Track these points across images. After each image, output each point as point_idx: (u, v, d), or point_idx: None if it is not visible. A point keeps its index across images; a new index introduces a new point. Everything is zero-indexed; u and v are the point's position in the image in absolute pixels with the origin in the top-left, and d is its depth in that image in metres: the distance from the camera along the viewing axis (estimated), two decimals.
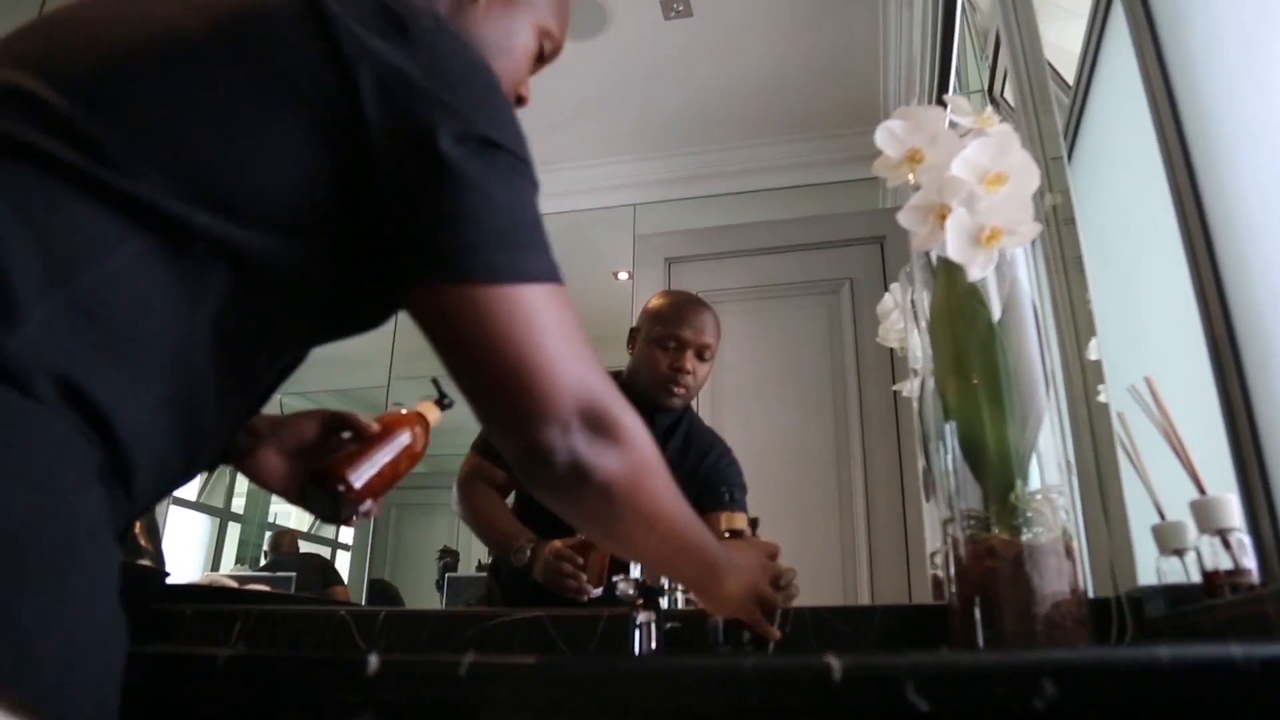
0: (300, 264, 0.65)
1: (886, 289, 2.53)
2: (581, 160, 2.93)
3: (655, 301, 1.69)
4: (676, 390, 1.56)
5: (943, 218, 0.89)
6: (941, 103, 2.20)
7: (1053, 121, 1.28)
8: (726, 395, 2.51)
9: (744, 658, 0.53)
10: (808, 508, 2.29)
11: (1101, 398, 1.18)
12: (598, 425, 0.64)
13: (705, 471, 1.59)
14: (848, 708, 0.52)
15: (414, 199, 0.64)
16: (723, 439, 1.70)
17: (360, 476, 0.84)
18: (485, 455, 1.59)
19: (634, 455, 0.67)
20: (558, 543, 1.36)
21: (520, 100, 0.90)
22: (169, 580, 1.45)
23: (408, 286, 0.65)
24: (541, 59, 0.91)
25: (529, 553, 1.40)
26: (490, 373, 0.63)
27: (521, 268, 0.64)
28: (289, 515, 3.95)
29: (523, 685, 0.56)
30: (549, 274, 0.66)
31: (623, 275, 3.04)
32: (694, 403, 2.38)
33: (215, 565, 3.87)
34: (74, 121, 0.59)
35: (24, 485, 0.51)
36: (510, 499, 1.60)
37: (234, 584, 1.51)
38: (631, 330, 1.69)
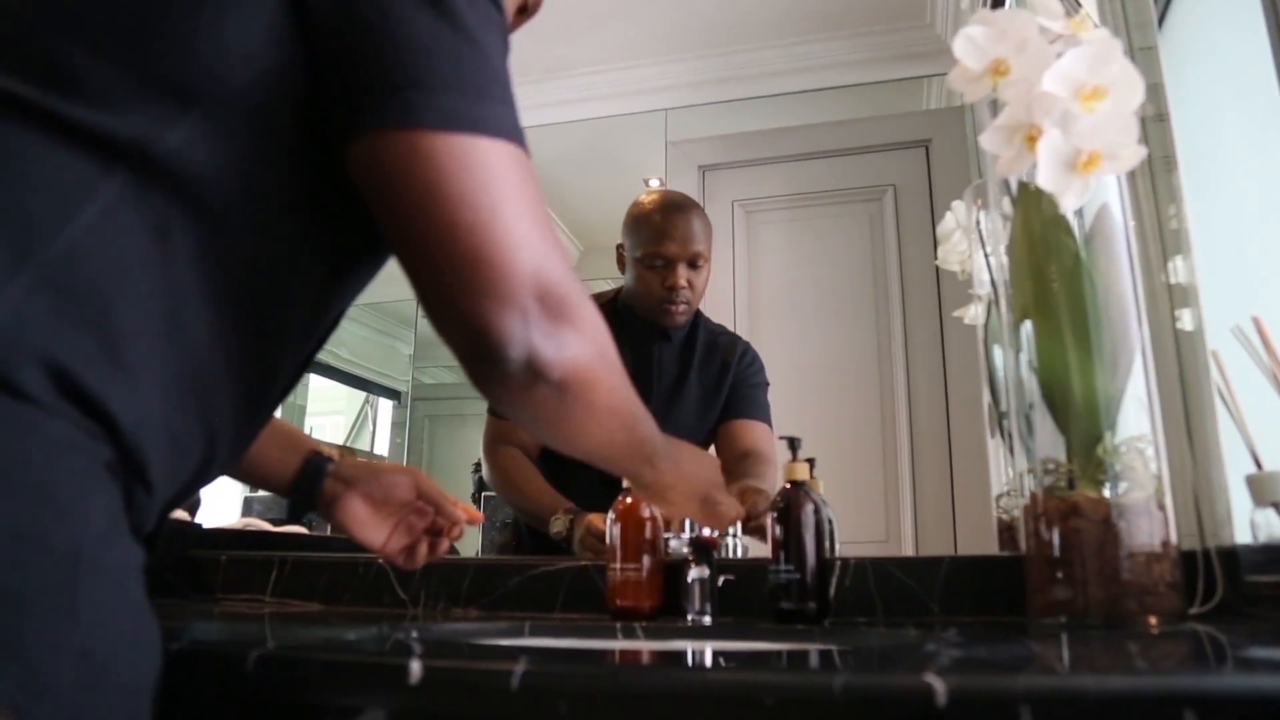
0: (263, 177, 0.57)
1: (932, 195, 2.41)
2: (608, 64, 2.78)
3: (631, 215, 1.54)
4: (676, 310, 1.46)
5: (1032, 140, 0.79)
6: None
7: (1146, 6, 1.14)
8: (764, 309, 2.44)
9: (833, 675, 0.47)
10: (847, 429, 2.22)
11: (1183, 324, 1.09)
12: (556, 312, 0.55)
13: (737, 376, 1.51)
14: None
15: (362, 27, 0.54)
16: (740, 336, 1.63)
17: None
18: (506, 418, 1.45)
19: (593, 346, 0.60)
20: (598, 521, 1.21)
21: (525, 8, 0.80)
22: (210, 508, 1.43)
23: (348, 140, 0.55)
24: None
25: (567, 526, 1.29)
26: (438, 241, 0.53)
27: (486, 118, 0.55)
28: (323, 429, 3.97)
29: (582, 701, 0.50)
30: (515, 133, 0.57)
31: (654, 182, 2.93)
32: (731, 317, 2.31)
33: None
34: (29, 43, 0.51)
35: (21, 496, 0.45)
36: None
37: (269, 525, 1.49)
38: (617, 247, 1.56)
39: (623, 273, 1.56)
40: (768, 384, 1.57)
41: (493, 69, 0.57)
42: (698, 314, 1.56)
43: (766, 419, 1.51)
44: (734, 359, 1.55)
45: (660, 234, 1.46)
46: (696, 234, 1.48)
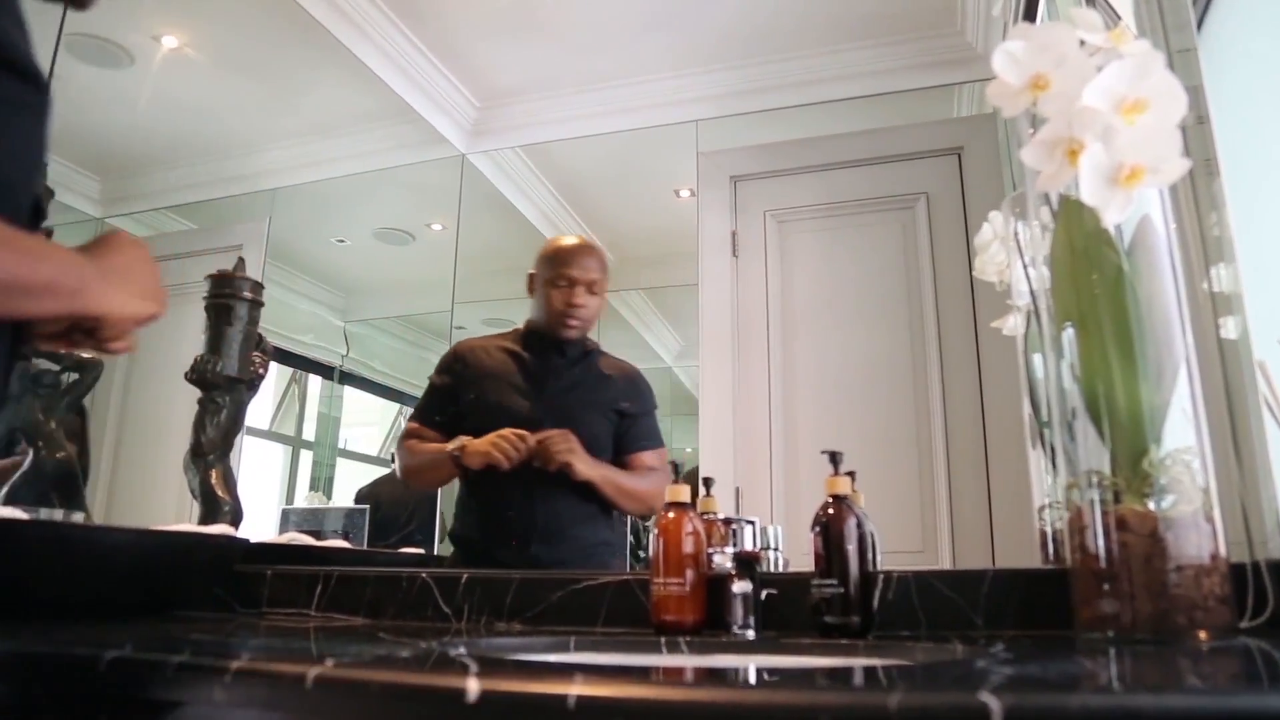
0: None
1: (965, 202, 2.40)
2: (639, 77, 2.80)
3: (545, 248, 1.87)
4: (572, 323, 1.75)
5: (1074, 154, 0.78)
6: (1031, 4, 2.01)
7: (1184, 7, 1.13)
8: (798, 318, 2.44)
9: (888, 694, 0.47)
10: (882, 438, 2.22)
11: (1227, 333, 1.07)
12: None
13: (639, 406, 1.78)
14: None
15: None
16: (634, 366, 1.86)
17: None
18: (424, 423, 1.75)
19: None
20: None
21: None
22: (248, 521, 1.45)
23: None
24: None
25: (460, 444, 1.58)
26: None
27: None
28: (357, 440, 4.01)
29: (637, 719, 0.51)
30: None
31: (685, 193, 2.95)
32: (764, 328, 2.32)
33: (290, 492, 3.96)
34: None
35: None
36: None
37: (311, 539, 1.51)
38: (529, 276, 1.85)
39: (532, 297, 1.84)
40: (655, 405, 1.86)
41: None
42: (596, 345, 1.87)
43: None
44: (635, 391, 1.82)
45: (568, 260, 1.78)
46: (595, 266, 1.80)
